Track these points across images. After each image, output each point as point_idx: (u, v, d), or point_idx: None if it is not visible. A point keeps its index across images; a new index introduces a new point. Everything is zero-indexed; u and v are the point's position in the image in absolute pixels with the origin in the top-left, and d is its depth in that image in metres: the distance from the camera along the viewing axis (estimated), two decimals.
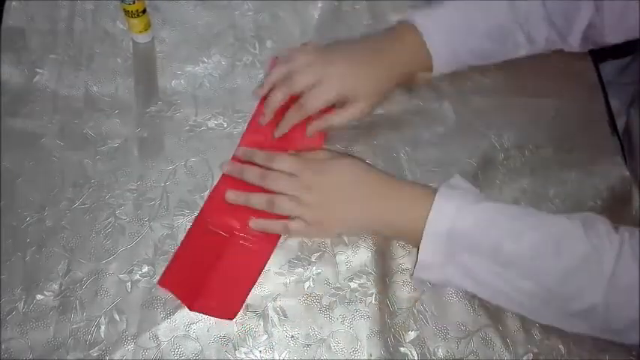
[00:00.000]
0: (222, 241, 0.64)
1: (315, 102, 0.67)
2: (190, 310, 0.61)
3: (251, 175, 0.64)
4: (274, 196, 0.62)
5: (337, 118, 0.68)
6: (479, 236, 0.56)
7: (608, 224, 0.56)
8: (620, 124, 0.76)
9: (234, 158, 0.68)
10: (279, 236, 0.65)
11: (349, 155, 0.66)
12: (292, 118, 0.68)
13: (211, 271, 0.62)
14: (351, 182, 0.62)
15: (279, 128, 0.68)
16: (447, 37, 0.68)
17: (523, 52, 0.70)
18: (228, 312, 0.61)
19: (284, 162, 0.64)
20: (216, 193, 0.66)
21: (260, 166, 0.65)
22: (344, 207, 0.62)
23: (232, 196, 0.65)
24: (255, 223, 0.64)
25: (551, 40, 0.69)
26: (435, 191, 0.59)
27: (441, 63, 0.69)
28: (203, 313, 0.61)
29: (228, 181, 0.67)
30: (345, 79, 0.67)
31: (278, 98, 0.68)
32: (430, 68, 0.69)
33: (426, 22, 0.68)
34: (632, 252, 0.53)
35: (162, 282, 0.62)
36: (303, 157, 0.65)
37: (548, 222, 0.57)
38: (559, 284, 0.54)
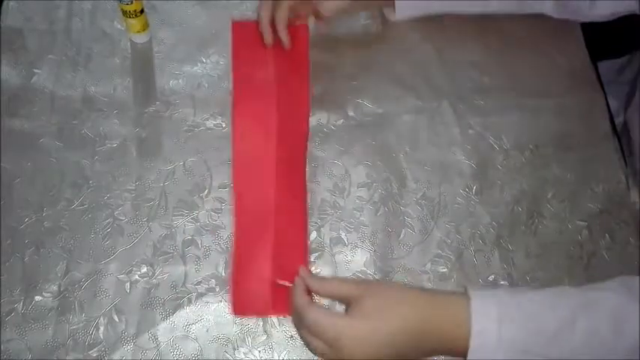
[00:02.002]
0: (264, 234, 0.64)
1: None
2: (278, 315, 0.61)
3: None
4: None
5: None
6: (529, 338, 0.49)
7: None
8: (618, 123, 0.76)
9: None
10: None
11: (357, 285, 0.55)
12: None
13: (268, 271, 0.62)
14: (383, 345, 0.51)
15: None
16: None
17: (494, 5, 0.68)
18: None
19: (308, 336, 0.54)
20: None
21: None
22: None
23: None
24: None
25: None
26: (463, 295, 0.51)
27: None
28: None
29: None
30: None
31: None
32: None
33: None
34: None
35: (236, 311, 0.61)
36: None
37: (594, 300, 0.50)
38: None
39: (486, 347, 0.49)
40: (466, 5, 0.70)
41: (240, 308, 0.61)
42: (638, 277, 0.51)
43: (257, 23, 0.74)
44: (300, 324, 0.55)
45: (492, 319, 0.49)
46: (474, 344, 0.49)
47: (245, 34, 0.74)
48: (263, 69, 0.72)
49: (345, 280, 0.60)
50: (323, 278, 0.59)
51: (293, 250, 0.64)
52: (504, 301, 0.50)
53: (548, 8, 0.69)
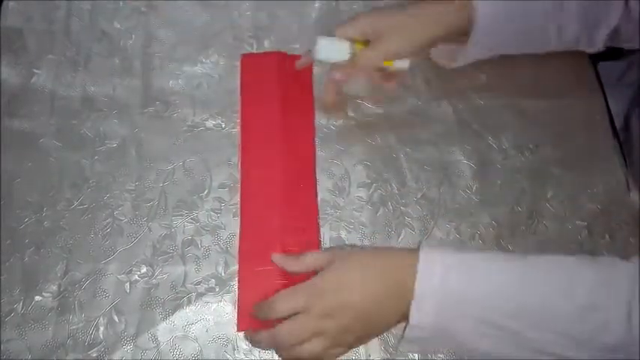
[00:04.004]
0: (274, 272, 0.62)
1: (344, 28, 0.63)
2: None
3: (264, 344, 0.57)
4: (300, 350, 0.55)
5: (364, 55, 0.63)
6: (473, 291, 0.52)
7: (613, 258, 0.53)
8: (620, 125, 0.76)
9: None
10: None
11: (328, 253, 0.58)
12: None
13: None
14: (354, 284, 0.54)
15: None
16: (494, 9, 0.63)
17: (551, 47, 0.66)
18: None
19: (283, 304, 0.55)
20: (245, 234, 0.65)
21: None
22: (370, 308, 0.54)
23: None
24: None
25: (579, 39, 0.65)
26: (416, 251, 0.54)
27: (481, 30, 0.62)
28: None
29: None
30: (381, 16, 0.63)
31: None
32: (466, 33, 0.63)
33: None
34: None
35: (241, 327, 0.61)
36: (295, 285, 0.56)
37: (549, 263, 0.53)
38: (578, 325, 0.50)
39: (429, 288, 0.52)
40: (529, 47, 0.67)
41: (247, 323, 0.61)
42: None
43: (265, 55, 0.74)
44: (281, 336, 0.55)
45: (437, 266, 0.52)
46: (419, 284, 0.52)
47: (253, 67, 0.74)
48: (270, 102, 0.71)
49: (316, 252, 0.60)
50: (297, 256, 0.59)
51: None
52: (452, 255, 0.53)
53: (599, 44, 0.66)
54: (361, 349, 0.60)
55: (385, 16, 0.63)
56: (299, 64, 0.69)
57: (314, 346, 0.54)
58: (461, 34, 0.64)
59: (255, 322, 0.59)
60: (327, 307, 0.54)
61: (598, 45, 0.66)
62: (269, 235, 0.64)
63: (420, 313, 0.52)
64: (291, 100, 0.72)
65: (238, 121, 0.71)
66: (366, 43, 0.63)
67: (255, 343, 0.58)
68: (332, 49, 0.63)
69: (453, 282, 0.52)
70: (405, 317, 0.53)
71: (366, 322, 0.55)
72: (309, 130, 0.71)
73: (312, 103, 0.73)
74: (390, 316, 0.55)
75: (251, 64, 0.75)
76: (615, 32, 0.65)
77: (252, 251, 0.64)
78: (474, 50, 0.64)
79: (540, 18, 0.64)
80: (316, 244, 0.65)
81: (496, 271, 0.52)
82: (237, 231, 0.65)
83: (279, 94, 0.71)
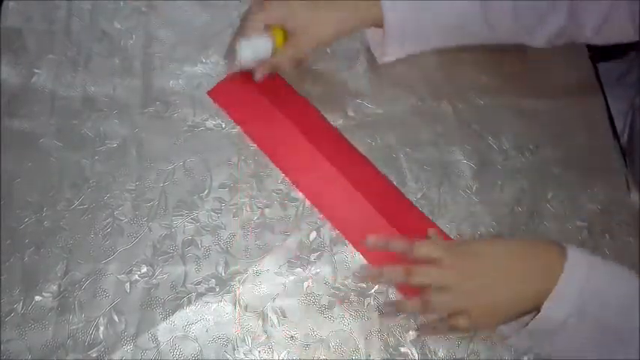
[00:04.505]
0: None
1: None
2: None
3: (395, 275, 0.57)
4: (427, 293, 0.55)
5: (279, 57, 0.66)
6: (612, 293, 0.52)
7: None
8: (621, 125, 0.76)
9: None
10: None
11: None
12: None
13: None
14: (489, 253, 0.56)
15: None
16: (401, 14, 0.65)
17: (485, 41, 0.68)
18: None
19: (422, 247, 0.56)
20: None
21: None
22: (508, 288, 0.54)
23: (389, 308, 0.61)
24: (423, 330, 0.61)
25: (518, 34, 0.66)
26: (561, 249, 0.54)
27: (392, 32, 0.65)
28: None
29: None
30: (293, 9, 0.65)
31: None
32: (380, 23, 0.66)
33: None
34: None
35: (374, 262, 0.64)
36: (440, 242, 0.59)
37: None
38: None
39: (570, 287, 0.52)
40: (456, 38, 0.69)
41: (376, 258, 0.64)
42: None
43: (228, 80, 0.73)
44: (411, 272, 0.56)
45: (583, 266, 0.52)
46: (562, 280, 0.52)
47: (226, 94, 0.73)
48: (271, 116, 0.71)
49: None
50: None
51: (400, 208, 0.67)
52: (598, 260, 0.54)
53: (539, 41, 0.67)
54: (362, 347, 0.60)
55: (298, 9, 0.65)
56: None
57: (441, 297, 0.55)
58: (379, 26, 0.66)
59: (384, 256, 0.60)
60: (458, 264, 0.55)
61: (540, 42, 0.67)
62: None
63: (557, 304, 0.52)
64: (287, 107, 0.72)
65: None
66: (283, 30, 0.66)
67: (382, 278, 0.59)
68: (255, 50, 0.66)
69: (597, 281, 0.52)
70: (529, 305, 0.54)
71: (491, 290, 0.55)
72: (330, 128, 0.71)
73: (307, 101, 0.73)
74: (517, 294, 0.54)
75: (220, 92, 0.73)
76: (563, 32, 0.65)
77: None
78: (394, 49, 0.68)
79: (463, 16, 0.65)
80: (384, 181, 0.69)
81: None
82: (237, 231, 0.65)
83: (272, 107, 0.71)
